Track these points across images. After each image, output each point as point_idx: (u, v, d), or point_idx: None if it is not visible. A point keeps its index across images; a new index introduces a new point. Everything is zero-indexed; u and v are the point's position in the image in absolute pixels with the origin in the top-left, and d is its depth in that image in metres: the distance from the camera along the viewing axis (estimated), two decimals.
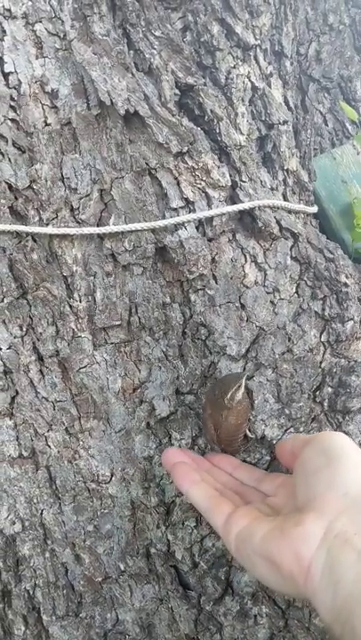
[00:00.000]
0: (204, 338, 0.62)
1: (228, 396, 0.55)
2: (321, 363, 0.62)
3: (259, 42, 0.62)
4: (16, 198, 0.60)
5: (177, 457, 0.57)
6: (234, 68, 0.60)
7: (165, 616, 0.70)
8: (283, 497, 0.50)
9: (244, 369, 0.61)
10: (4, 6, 0.54)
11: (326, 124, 0.99)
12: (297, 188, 0.68)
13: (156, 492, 0.67)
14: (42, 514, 0.70)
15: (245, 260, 0.63)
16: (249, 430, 0.60)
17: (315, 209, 0.71)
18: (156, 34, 0.56)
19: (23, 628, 0.72)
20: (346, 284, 0.63)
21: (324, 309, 0.62)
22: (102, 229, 0.59)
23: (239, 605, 0.63)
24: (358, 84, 1.02)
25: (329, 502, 0.40)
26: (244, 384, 0.55)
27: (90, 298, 0.62)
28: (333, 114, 1.00)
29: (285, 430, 0.60)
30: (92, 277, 0.62)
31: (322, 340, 0.62)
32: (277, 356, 0.60)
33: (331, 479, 0.41)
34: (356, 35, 1.04)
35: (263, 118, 0.63)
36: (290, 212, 0.65)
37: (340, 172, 0.84)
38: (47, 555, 0.71)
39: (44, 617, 0.72)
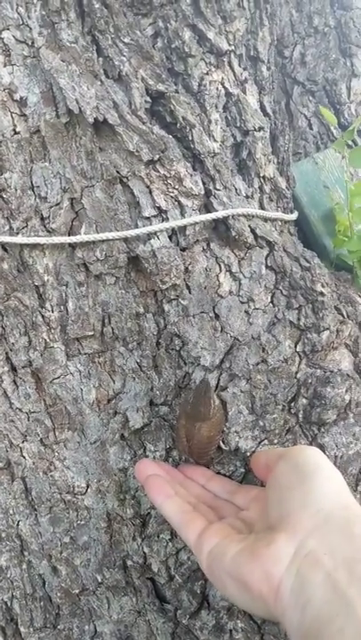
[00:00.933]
0: (178, 348, 0.61)
1: (200, 407, 0.54)
2: (296, 373, 0.61)
3: (233, 47, 0.61)
4: None
5: (150, 469, 0.56)
6: (207, 74, 0.59)
7: (144, 628, 0.69)
8: (256, 511, 0.49)
9: (219, 380, 0.60)
10: None
11: (311, 128, 0.98)
12: (274, 195, 0.67)
13: (131, 504, 0.66)
14: (18, 525, 0.69)
15: (220, 270, 0.62)
16: (223, 442, 0.59)
17: (293, 216, 0.70)
18: (126, 40, 0.55)
19: None
20: (322, 294, 0.62)
21: (299, 319, 0.62)
22: (73, 239, 0.58)
23: (215, 620, 0.62)
24: (344, 88, 1.01)
25: (301, 521, 0.39)
26: (212, 392, 0.54)
27: (62, 308, 0.61)
28: (318, 117, 0.99)
29: (260, 442, 0.59)
30: (64, 287, 0.61)
31: (297, 350, 0.61)
32: (251, 367, 0.59)
33: (303, 496, 0.41)
34: (342, 37, 1.03)
35: (238, 125, 0.62)
36: (266, 220, 0.64)
37: (322, 178, 0.83)
38: (24, 566, 0.70)
39: (22, 629, 0.71)
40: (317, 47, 1.01)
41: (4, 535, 0.70)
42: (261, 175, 0.65)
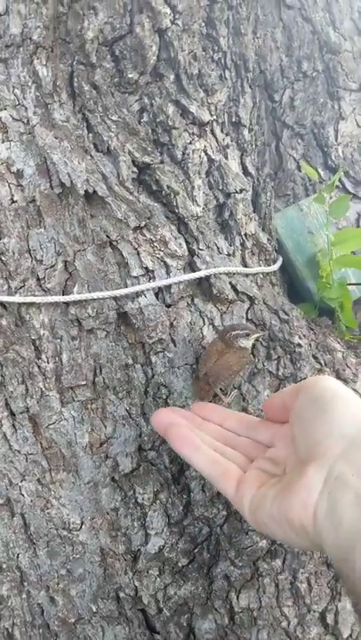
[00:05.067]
0: (164, 397, 0.66)
1: (234, 333, 0.60)
2: None
3: (215, 117, 0.65)
4: None
5: (168, 418, 0.54)
6: (190, 143, 0.64)
7: None
8: (283, 447, 0.49)
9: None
10: None
11: (300, 170, 1.02)
12: (256, 250, 0.71)
13: (122, 541, 0.70)
14: (18, 557, 0.73)
15: (203, 323, 0.66)
16: (224, 391, 0.64)
17: (274, 267, 0.74)
18: (113, 118, 0.60)
19: None
20: (299, 345, 0.66)
21: (278, 369, 0.66)
22: (66, 298, 0.63)
23: None
24: (331, 130, 1.05)
25: (328, 448, 0.41)
26: (253, 338, 0.61)
27: (57, 359, 0.66)
28: (307, 160, 1.03)
29: None
30: (58, 340, 0.66)
31: None
32: None
33: (327, 425, 0.42)
34: (330, 81, 1.07)
35: (220, 187, 0.67)
36: (247, 275, 0.68)
37: (306, 224, 0.87)
38: (24, 596, 0.75)
39: None
40: (306, 91, 1.05)
41: (4, 567, 0.74)
42: (243, 233, 0.69)
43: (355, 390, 0.71)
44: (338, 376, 0.70)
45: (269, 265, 0.74)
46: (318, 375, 0.61)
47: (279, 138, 1.04)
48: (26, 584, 0.75)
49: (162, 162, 0.63)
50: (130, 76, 0.60)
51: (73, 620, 0.74)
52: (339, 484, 0.38)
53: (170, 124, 0.62)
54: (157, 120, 0.62)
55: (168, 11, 0.59)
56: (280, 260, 0.80)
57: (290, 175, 1.02)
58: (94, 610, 0.73)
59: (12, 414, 0.69)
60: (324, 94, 1.07)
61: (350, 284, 0.84)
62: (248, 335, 0.60)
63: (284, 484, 0.43)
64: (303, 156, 1.03)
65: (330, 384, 0.46)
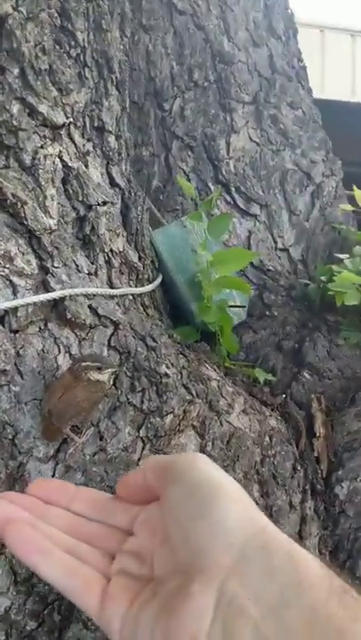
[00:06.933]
0: (10, 437, 0.57)
1: (83, 364, 0.53)
2: (139, 461, 0.58)
3: (72, 120, 0.58)
4: None
5: (5, 512, 0.41)
6: (41, 147, 0.56)
7: None
8: (146, 536, 0.40)
9: (54, 472, 0.56)
10: None
11: (189, 183, 0.97)
12: (125, 269, 0.65)
13: None
14: None
15: (59, 351, 0.58)
16: (77, 431, 0.56)
17: (147, 288, 0.68)
18: None
19: None
20: (167, 375, 0.60)
21: (142, 402, 0.59)
22: None
23: None
24: (223, 143, 1.01)
25: (214, 560, 0.34)
26: (109, 375, 0.54)
27: None
28: (197, 173, 0.98)
29: None
30: None
31: (140, 435, 0.59)
32: (88, 458, 0.56)
33: (210, 529, 0.35)
34: (222, 92, 1.03)
35: (80, 199, 0.60)
36: (112, 297, 0.61)
37: (190, 241, 0.82)
38: None
39: None
40: (197, 101, 1.01)
41: None
42: (108, 250, 0.62)
43: (229, 423, 0.66)
44: (211, 407, 0.64)
45: (143, 285, 0.67)
46: (188, 453, 0.55)
47: (169, 149, 0.99)
48: None
49: (6, 166, 0.55)
50: None
51: None
52: (234, 612, 0.31)
53: (15, 124, 0.54)
54: (0, 120, 0.54)
55: None
56: (159, 279, 0.74)
57: (179, 189, 0.96)
58: None
59: None
60: (215, 105, 1.03)
61: (233, 307, 0.80)
62: (100, 369, 0.52)
63: (163, 602, 0.34)
64: (193, 169, 0.98)
65: (206, 471, 0.38)
